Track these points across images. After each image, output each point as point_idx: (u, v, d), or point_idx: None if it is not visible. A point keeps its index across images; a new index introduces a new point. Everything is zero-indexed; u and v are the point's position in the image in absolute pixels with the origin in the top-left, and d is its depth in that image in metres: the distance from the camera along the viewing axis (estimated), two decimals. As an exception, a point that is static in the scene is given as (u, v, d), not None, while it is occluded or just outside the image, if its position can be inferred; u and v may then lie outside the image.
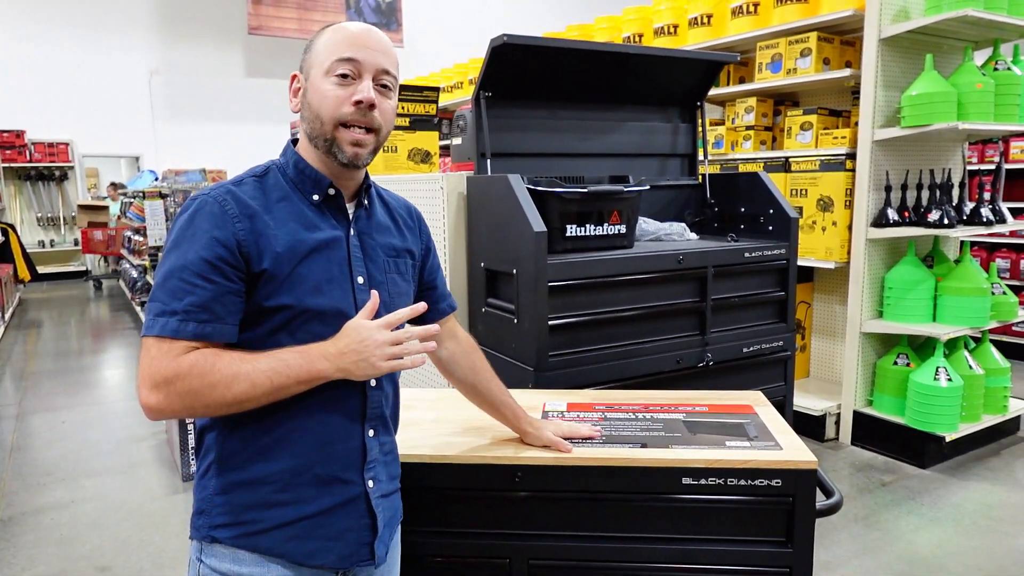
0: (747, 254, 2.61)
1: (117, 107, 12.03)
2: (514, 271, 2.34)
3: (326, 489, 1.22)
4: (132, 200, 9.09)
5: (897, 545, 3.06)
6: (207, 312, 1.12)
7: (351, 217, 1.30)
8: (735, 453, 1.56)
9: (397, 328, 1.20)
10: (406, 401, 1.95)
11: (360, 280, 1.27)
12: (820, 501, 1.58)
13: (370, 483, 1.28)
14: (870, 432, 3.92)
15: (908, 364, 3.84)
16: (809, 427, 4.07)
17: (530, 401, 1.92)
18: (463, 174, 2.68)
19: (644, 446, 1.60)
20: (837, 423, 4.07)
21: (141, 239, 8.18)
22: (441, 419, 1.81)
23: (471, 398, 1.64)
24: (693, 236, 2.84)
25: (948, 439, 3.68)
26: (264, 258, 1.16)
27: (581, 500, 1.59)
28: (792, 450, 1.58)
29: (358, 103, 1.20)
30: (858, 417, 3.98)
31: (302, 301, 1.18)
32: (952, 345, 3.86)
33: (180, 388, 1.09)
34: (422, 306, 1.27)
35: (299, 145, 1.29)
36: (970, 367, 3.81)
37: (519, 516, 1.61)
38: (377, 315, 1.21)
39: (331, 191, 1.27)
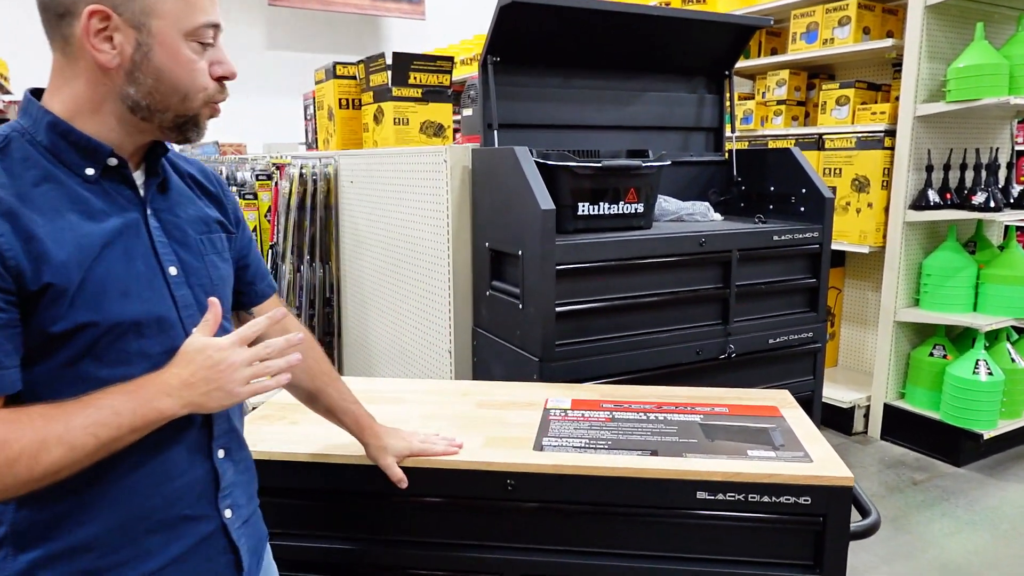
0: (776, 237, 2.40)
1: (135, 79, 11.92)
2: (519, 252, 2.15)
3: (172, 534, 0.98)
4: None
5: (930, 551, 2.86)
6: None
7: (142, 192, 1.00)
8: (759, 465, 1.37)
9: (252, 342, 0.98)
10: (391, 392, 1.79)
11: (173, 271, 1.00)
12: (855, 521, 1.39)
13: (227, 512, 1.05)
14: (901, 426, 3.70)
15: (945, 356, 3.60)
16: (836, 419, 3.85)
17: (532, 396, 1.74)
18: (468, 146, 2.49)
19: (655, 454, 1.42)
20: (866, 416, 3.85)
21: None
22: (434, 414, 1.64)
23: (307, 405, 1.36)
24: (717, 217, 2.62)
25: (986, 436, 3.45)
26: (42, 270, 0.86)
27: (581, 513, 1.41)
28: (824, 463, 1.38)
29: (222, 79, 0.99)
30: (889, 410, 3.75)
31: (107, 314, 0.90)
32: (993, 337, 3.61)
33: None
34: (281, 314, 1.05)
35: (57, 101, 0.94)
36: (1012, 360, 3.56)
37: (511, 529, 1.44)
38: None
39: (112, 161, 0.95)
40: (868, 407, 3.84)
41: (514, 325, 2.24)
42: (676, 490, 1.36)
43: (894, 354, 3.72)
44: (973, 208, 3.38)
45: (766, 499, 1.35)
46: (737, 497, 1.35)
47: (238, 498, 1.08)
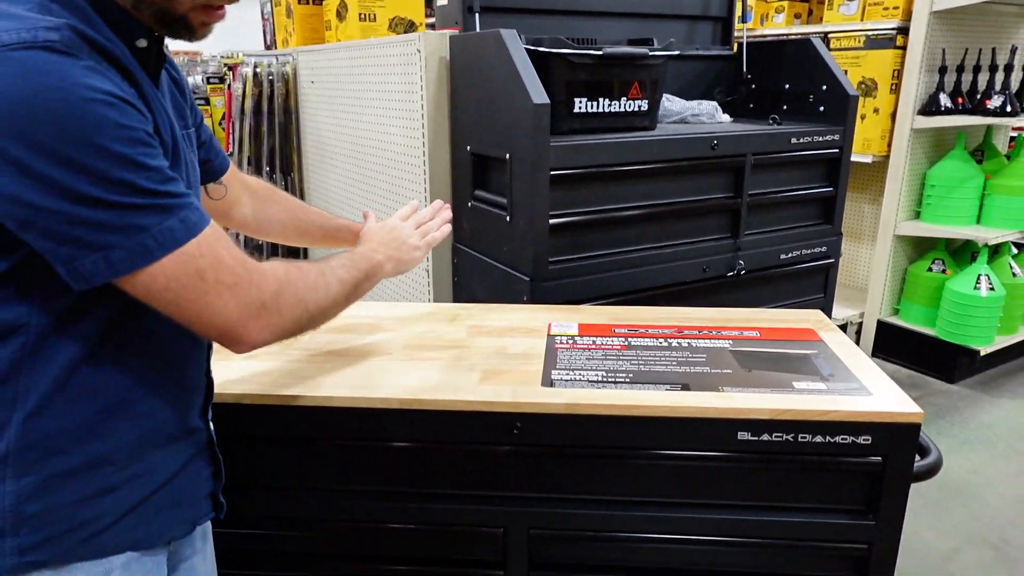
0: (794, 140, 2.14)
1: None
2: (507, 156, 1.87)
3: (175, 447, 0.94)
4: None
5: (927, 471, 2.77)
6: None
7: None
8: (811, 400, 1.16)
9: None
10: (368, 320, 1.54)
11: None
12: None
13: (211, 424, 1.04)
14: (895, 344, 3.58)
15: (944, 271, 3.45)
16: (827, 338, 3.72)
17: (531, 321, 1.50)
18: (446, 33, 2.15)
19: (686, 388, 1.20)
20: (859, 333, 3.72)
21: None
22: (420, 343, 1.40)
23: (298, 241, 1.44)
24: (726, 118, 2.35)
25: (982, 353, 3.35)
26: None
27: (599, 458, 1.19)
28: (886, 397, 1.17)
29: None
30: (882, 327, 3.63)
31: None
32: (994, 251, 3.46)
33: (288, 299, 0.89)
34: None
35: None
36: (1014, 275, 3.43)
37: (517, 477, 1.22)
38: None
39: (142, 42, 0.84)
40: (861, 324, 3.71)
41: (501, 240, 1.97)
42: (713, 431, 1.15)
43: (891, 269, 3.56)
44: (987, 113, 3.16)
45: (818, 439, 1.14)
46: (785, 437, 1.14)
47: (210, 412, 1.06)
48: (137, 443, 0.88)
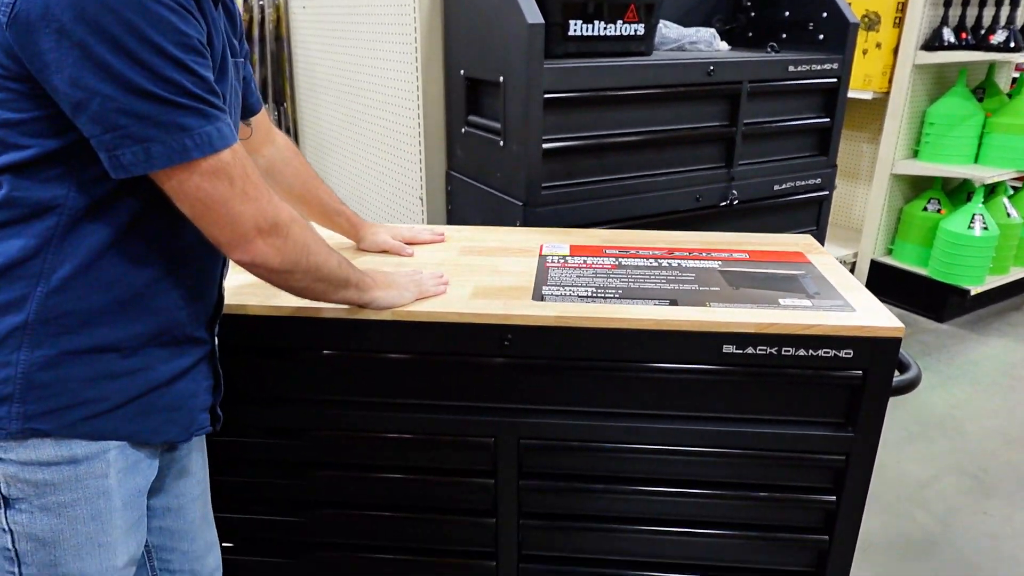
0: (792, 68, 2.11)
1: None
2: (501, 79, 1.84)
3: (180, 350, 0.97)
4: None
5: (910, 403, 2.82)
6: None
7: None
8: (795, 315, 1.18)
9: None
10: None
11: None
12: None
13: (216, 339, 1.07)
14: (887, 283, 3.60)
15: (939, 211, 3.45)
16: (819, 277, 3.74)
17: (524, 242, 1.51)
18: (439, -49, 2.09)
19: (674, 303, 1.21)
20: (852, 272, 3.73)
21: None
22: (412, 260, 1.41)
23: (295, 208, 1.37)
24: (724, 46, 2.31)
25: (972, 292, 3.38)
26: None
27: (588, 370, 1.22)
28: (869, 313, 1.20)
29: None
30: (875, 267, 3.64)
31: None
32: (990, 191, 3.46)
33: (297, 234, 0.95)
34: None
35: None
36: (1008, 215, 3.43)
37: (508, 389, 1.25)
38: None
39: None
40: (854, 263, 3.72)
41: (494, 166, 1.97)
42: (699, 344, 1.17)
43: (886, 209, 3.56)
44: (990, 48, 3.10)
45: (802, 353, 1.17)
46: (769, 351, 1.17)
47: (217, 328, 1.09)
48: (144, 338, 0.92)
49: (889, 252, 3.69)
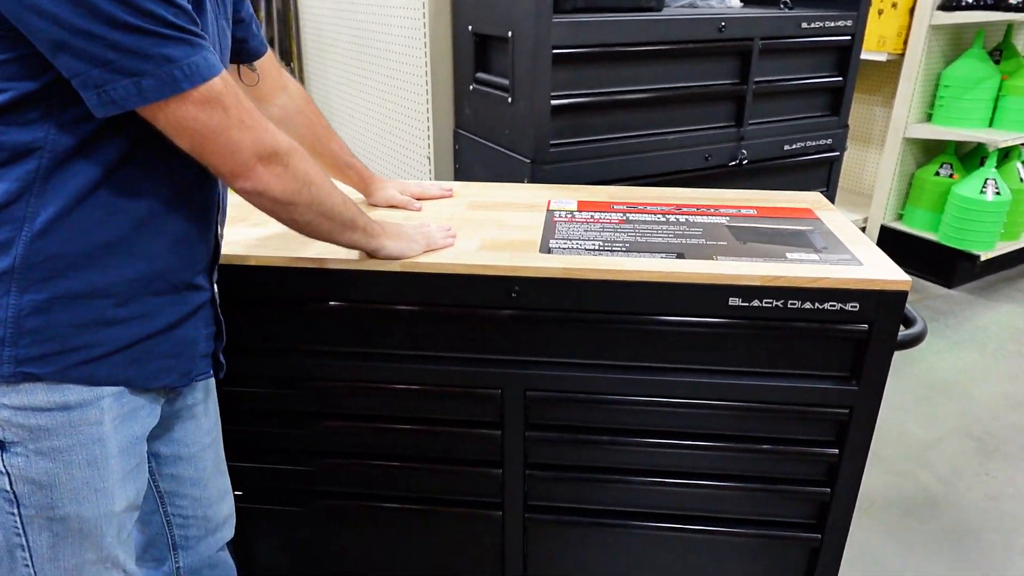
0: (804, 25, 2.08)
1: None
2: (509, 34, 1.82)
3: (176, 298, 0.97)
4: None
5: (917, 368, 2.83)
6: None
7: None
8: (801, 268, 1.18)
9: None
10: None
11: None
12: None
13: (216, 286, 1.07)
14: (896, 249, 3.54)
15: (951, 175, 3.42)
16: (828, 242, 3.72)
17: (531, 197, 1.51)
18: (448, -96, 2.06)
19: (681, 256, 1.22)
20: (860, 239, 3.72)
21: None
22: (416, 217, 1.41)
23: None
24: (736, 2, 2.27)
25: (983, 258, 3.36)
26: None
27: (594, 323, 1.23)
28: (876, 266, 1.20)
29: None
30: (885, 232, 3.62)
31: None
32: (1003, 155, 3.42)
33: (298, 164, 0.95)
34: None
35: None
36: (1021, 180, 3.40)
37: (514, 341, 1.26)
38: None
39: None
40: (864, 229, 3.70)
41: (502, 123, 1.96)
42: (705, 296, 1.18)
43: (898, 173, 3.52)
44: (1009, 8, 3.04)
45: (808, 306, 1.17)
46: (775, 304, 1.17)
47: (217, 273, 1.09)
48: (136, 284, 0.91)
49: (899, 218, 3.66)
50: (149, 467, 1.13)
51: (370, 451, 1.39)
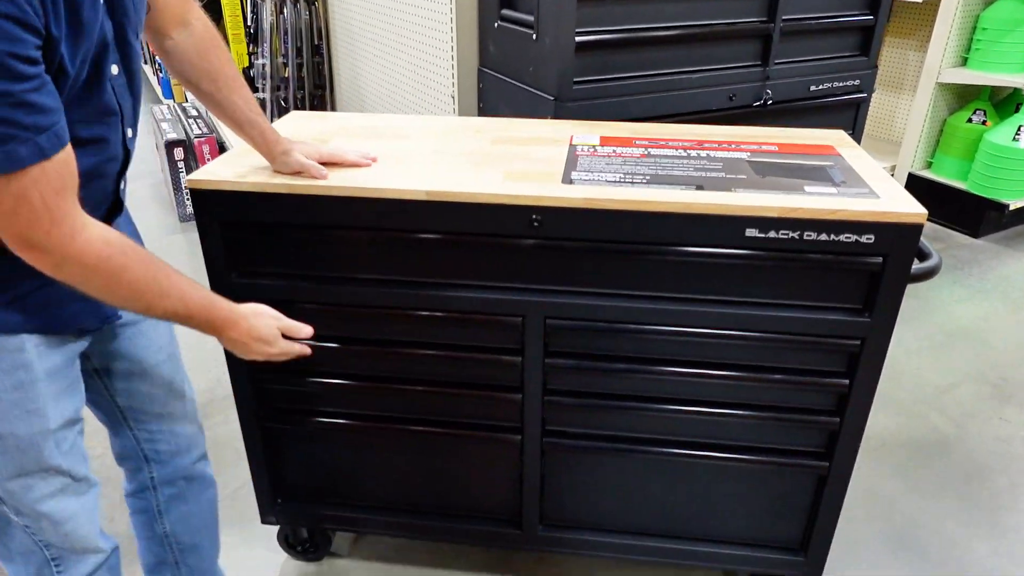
0: (836, -39, 2.05)
1: None
2: (537, -30, 1.82)
3: None
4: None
5: (937, 315, 2.84)
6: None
7: None
8: (818, 200, 1.20)
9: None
10: (393, 128, 1.58)
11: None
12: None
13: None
14: (923, 197, 3.45)
15: (984, 122, 3.35)
16: (854, 190, 3.69)
17: (555, 133, 1.53)
18: None
19: (700, 188, 1.24)
20: (886, 187, 3.68)
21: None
22: (445, 149, 1.44)
23: (212, 111, 1.29)
24: (767, -62, 2.23)
25: (1011, 207, 3.31)
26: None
27: (613, 252, 1.26)
28: (893, 199, 1.21)
29: None
30: (913, 180, 3.58)
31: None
32: (1039, 101, 3.34)
33: (78, 278, 0.91)
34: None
35: None
36: (1056, 127, 3.32)
37: (535, 269, 1.30)
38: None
39: None
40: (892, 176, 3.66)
41: (527, 60, 1.96)
42: (722, 227, 1.20)
43: (929, 120, 3.46)
44: (1053, -55, 2.94)
45: (823, 237, 1.19)
46: (791, 235, 1.20)
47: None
48: None
49: (928, 166, 3.61)
50: (104, 384, 1.21)
51: (394, 375, 1.45)
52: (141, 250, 0.97)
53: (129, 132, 1.05)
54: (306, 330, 1.22)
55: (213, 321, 1.07)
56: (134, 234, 1.19)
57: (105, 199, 1.06)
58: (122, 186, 1.10)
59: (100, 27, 0.89)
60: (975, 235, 3.43)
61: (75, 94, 0.89)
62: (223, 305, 1.08)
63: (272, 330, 1.17)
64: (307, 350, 1.24)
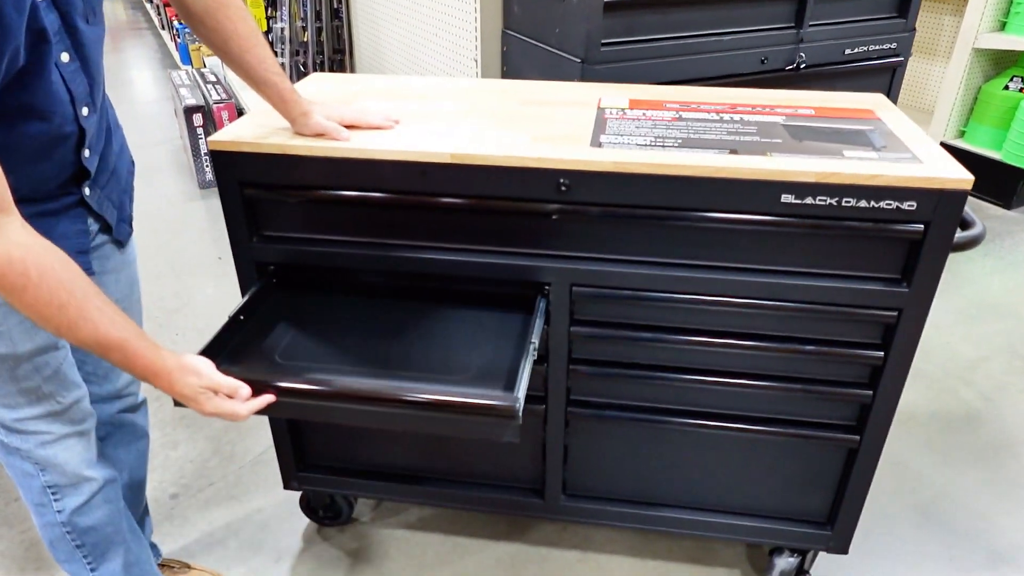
0: (876, -83, 1.96)
1: None
2: (565, -74, 1.76)
3: (30, 207, 1.00)
4: None
5: (966, 288, 2.78)
6: None
7: None
8: (858, 165, 1.15)
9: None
10: (417, 89, 1.54)
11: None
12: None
13: (86, 191, 1.12)
14: None
15: (1021, 89, 3.24)
16: (884, 159, 3.61)
17: (583, 96, 1.49)
18: None
19: (734, 152, 1.20)
20: (917, 156, 3.59)
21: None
22: (470, 111, 1.40)
23: (228, 65, 1.26)
24: None
25: (1047, 178, 3.22)
26: None
27: (643, 218, 1.23)
28: (937, 165, 1.16)
29: None
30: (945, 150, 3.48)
31: None
32: (1081, 68, 3.23)
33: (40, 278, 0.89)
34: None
35: None
36: (1097, 94, 3.21)
37: (562, 235, 1.27)
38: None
39: None
40: (921, 146, 3.57)
41: (553, 22, 1.91)
42: (757, 193, 1.16)
43: (964, 87, 3.36)
44: (1103, -98, 2.81)
45: (863, 204, 1.15)
46: (829, 202, 1.15)
47: (101, 178, 1.15)
48: None
49: (961, 135, 3.51)
50: None
51: (418, 342, 1.43)
52: (59, 275, 0.91)
53: (84, 111, 1.04)
54: (243, 391, 1.07)
55: (132, 367, 0.99)
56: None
57: (66, 167, 1.07)
58: (87, 154, 1.09)
59: (34, 24, 0.90)
60: (1008, 207, 3.34)
61: (11, 84, 0.90)
62: (146, 353, 0.99)
63: (195, 390, 1.03)
64: (248, 410, 1.08)
